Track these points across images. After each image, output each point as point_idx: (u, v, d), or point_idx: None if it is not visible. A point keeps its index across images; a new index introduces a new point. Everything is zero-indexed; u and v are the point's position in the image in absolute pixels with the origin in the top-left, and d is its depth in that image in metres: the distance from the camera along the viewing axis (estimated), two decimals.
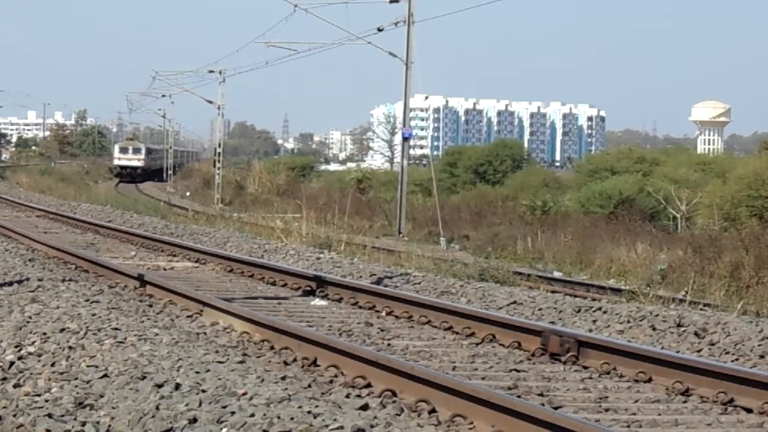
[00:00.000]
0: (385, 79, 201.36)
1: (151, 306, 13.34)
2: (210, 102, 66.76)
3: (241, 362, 9.32)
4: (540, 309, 14.08)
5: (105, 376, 8.44)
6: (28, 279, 14.80)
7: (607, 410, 8.67)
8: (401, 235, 40.63)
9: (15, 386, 8.38)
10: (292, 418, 6.97)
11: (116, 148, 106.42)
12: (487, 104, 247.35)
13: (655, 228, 45.02)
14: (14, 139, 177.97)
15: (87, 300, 12.68)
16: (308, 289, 15.66)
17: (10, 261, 17.82)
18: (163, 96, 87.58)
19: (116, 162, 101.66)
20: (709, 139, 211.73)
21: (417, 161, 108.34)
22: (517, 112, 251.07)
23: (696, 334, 11.90)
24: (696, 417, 8.57)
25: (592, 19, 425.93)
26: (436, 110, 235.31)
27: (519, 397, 8.68)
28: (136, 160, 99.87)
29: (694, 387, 9.27)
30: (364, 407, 7.66)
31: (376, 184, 74.95)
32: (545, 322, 12.71)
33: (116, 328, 10.52)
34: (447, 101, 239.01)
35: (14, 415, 7.51)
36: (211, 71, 65.35)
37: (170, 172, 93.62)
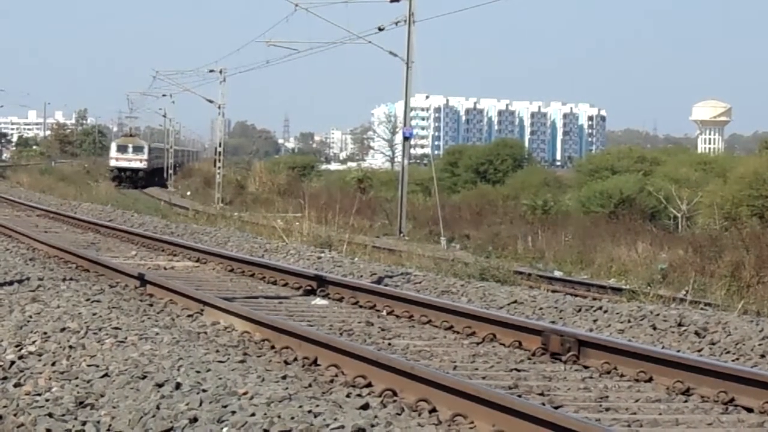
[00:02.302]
0: (385, 78, 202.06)
1: (151, 305, 13.34)
2: (211, 101, 66.82)
3: (242, 362, 9.32)
4: (540, 308, 14.08)
5: (105, 375, 8.44)
6: (28, 278, 14.80)
7: (607, 410, 8.67)
8: (402, 235, 40.62)
9: (15, 385, 8.37)
10: (292, 418, 6.97)
11: (113, 146, 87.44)
12: (487, 104, 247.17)
13: (655, 227, 45.06)
14: (15, 139, 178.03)
15: (87, 299, 12.68)
16: (309, 288, 15.65)
17: (11, 260, 17.82)
18: (164, 95, 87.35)
19: (113, 163, 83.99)
20: (709, 139, 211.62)
21: (418, 161, 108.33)
22: (518, 111, 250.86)
23: (697, 333, 11.89)
24: (697, 416, 8.57)
25: (592, 19, 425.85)
26: (437, 110, 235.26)
27: (520, 396, 8.68)
28: (137, 161, 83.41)
29: (695, 386, 9.27)
30: (365, 407, 7.66)
31: (376, 183, 74.89)
32: (546, 322, 12.71)
33: (117, 328, 10.52)
34: (448, 100, 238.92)
35: (15, 415, 7.51)
36: (211, 71, 65.42)
37: (170, 172, 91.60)
